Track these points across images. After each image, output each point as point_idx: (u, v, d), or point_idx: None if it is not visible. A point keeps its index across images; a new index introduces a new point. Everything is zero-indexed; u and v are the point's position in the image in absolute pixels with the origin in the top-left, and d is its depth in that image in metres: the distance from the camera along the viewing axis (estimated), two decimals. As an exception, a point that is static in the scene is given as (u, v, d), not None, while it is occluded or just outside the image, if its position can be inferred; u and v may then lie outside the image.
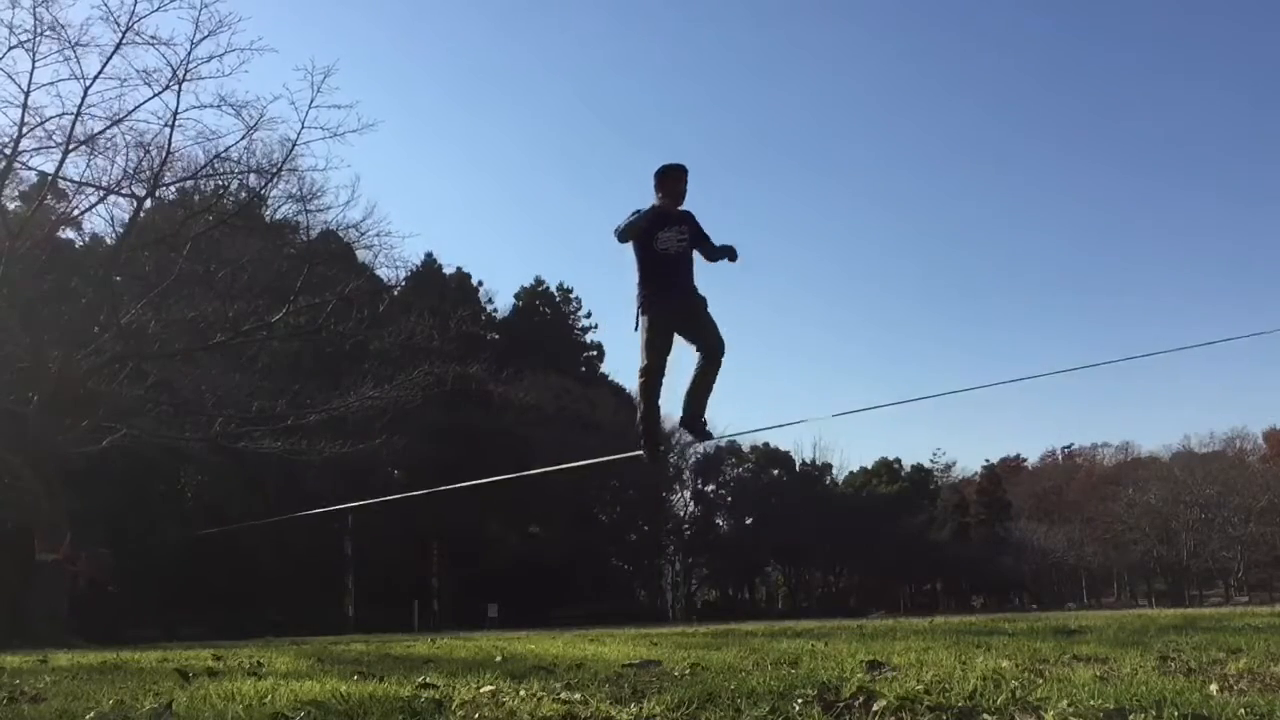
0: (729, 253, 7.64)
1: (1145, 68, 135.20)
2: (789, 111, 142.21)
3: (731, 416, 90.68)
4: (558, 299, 71.40)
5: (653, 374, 7.54)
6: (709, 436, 8.60)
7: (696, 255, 7.69)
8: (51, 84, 22.14)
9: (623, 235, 7.38)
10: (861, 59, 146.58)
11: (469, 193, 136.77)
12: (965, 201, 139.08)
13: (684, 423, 7.95)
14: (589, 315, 72.33)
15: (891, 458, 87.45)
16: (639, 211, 7.41)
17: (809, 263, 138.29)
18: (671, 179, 7.58)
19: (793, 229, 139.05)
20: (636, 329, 7.58)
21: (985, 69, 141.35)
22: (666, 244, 7.47)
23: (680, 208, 7.63)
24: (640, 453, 8.22)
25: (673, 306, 7.53)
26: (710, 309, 7.71)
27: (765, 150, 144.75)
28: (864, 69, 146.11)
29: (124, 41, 20.52)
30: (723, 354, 7.68)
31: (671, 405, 7.96)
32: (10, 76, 20.58)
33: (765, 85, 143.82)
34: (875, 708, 2.57)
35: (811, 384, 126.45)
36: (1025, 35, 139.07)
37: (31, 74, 20.37)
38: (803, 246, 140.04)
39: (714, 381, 7.73)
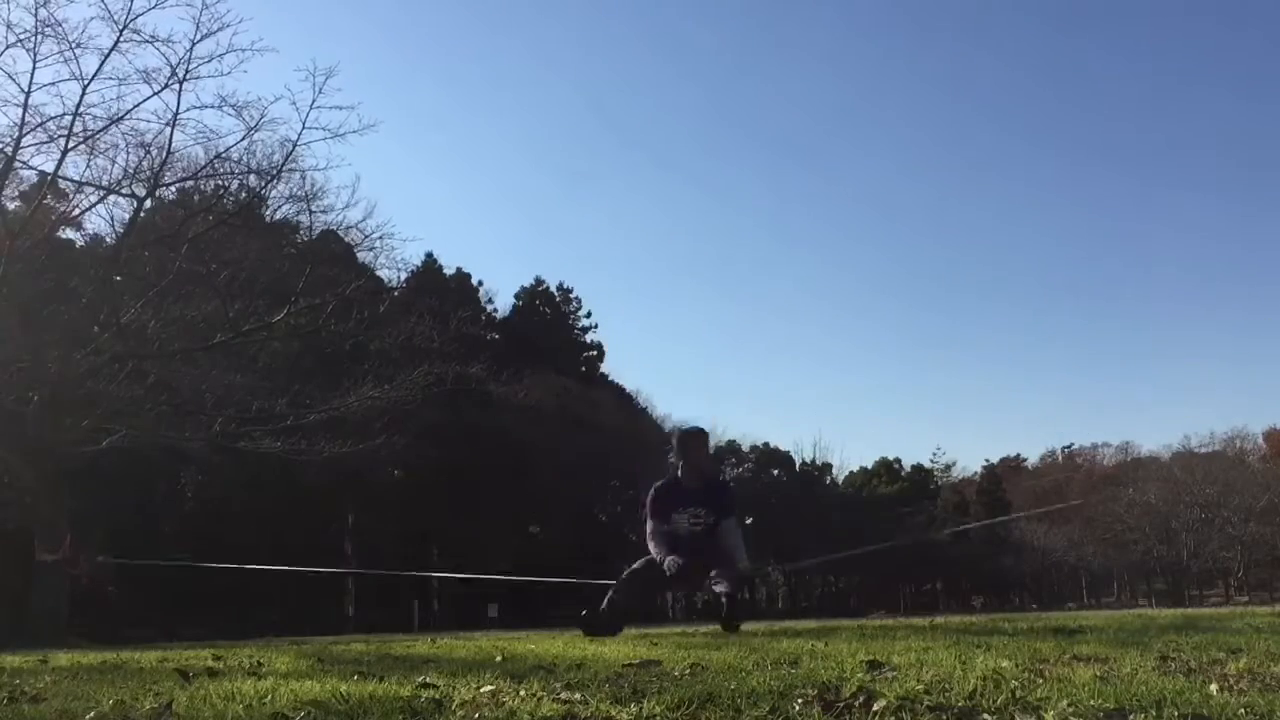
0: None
1: (1140, 70, 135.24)
2: (787, 112, 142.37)
3: (733, 416, 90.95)
4: (558, 299, 71.37)
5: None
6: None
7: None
8: (52, 84, 22.11)
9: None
10: (860, 58, 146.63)
11: (469, 193, 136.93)
12: (961, 204, 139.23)
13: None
14: (589, 315, 72.36)
15: (891, 457, 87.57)
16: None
17: (808, 263, 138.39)
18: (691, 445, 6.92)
19: (791, 228, 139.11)
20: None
21: (982, 72, 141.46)
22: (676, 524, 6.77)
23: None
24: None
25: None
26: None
27: (763, 150, 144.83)
28: (863, 69, 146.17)
29: (122, 39, 20.44)
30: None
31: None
32: (10, 76, 20.50)
33: (763, 85, 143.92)
34: (875, 707, 2.57)
35: (811, 383, 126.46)
36: (1019, 36, 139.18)
37: (32, 74, 20.27)
38: (800, 245, 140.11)
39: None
